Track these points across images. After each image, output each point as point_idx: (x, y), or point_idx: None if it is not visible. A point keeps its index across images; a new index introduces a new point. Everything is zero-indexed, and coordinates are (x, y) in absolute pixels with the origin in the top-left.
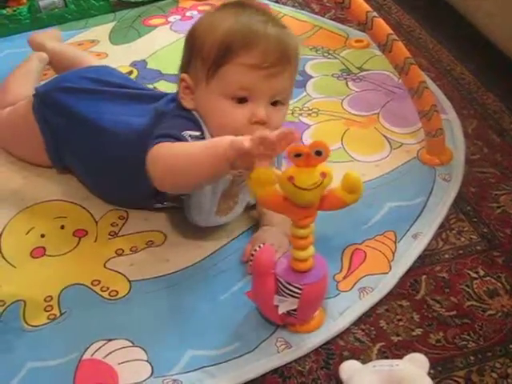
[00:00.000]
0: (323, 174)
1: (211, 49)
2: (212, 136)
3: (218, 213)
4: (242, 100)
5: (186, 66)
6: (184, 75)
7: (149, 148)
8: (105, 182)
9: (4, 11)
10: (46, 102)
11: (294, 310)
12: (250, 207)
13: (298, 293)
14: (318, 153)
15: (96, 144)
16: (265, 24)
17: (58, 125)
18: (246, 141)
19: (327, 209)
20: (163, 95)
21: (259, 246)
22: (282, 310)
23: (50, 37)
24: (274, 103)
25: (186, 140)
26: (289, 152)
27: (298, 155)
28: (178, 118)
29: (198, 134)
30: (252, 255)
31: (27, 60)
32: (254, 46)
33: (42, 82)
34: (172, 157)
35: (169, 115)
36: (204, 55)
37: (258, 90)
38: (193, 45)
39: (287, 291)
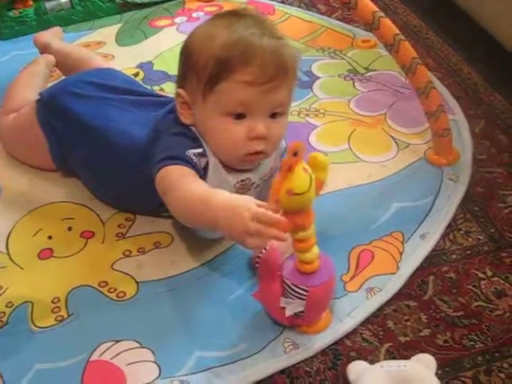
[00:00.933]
0: (305, 170)
1: (206, 65)
2: (213, 152)
3: None
4: (239, 116)
5: (182, 80)
6: (180, 91)
7: (154, 169)
8: (109, 189)
9: (10, 13)
10: (51, 107)
11: (302, 312)
12: None
13: (304, 295)
14: (295, 154)
15: (100, 152)
16: (260, 37)
17: (63, 130)
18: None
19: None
20: (165, 102)
21: (265, 249)
22: (288, 312)
23: (53, 35)
24: (273, 115)
25: (192, 160)
26: (285, 168)
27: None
28: (177, 135)
29: (200, 150)
30: (258, 257)
31: (33, 64)
32: (251, 63)
33: (49, 85)
34: (179, 198)
35: (167, 131)
36: (199, 71)
37: (255, 105)
38: (188, 59)
39: (294, 293)
